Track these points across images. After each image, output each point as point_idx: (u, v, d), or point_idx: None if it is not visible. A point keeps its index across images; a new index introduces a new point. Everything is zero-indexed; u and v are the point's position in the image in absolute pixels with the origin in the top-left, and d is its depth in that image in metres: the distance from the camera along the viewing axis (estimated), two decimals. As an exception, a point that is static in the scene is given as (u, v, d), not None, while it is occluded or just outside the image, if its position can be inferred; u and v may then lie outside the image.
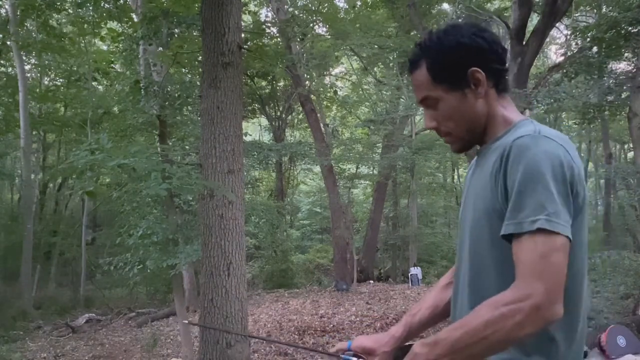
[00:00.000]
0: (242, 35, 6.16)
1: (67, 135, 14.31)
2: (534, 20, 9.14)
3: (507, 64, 1.18)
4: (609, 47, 8.05)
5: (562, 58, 9.32)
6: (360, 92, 14.47)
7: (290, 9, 12.06)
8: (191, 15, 6.74)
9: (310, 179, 20.01)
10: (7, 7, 11.47)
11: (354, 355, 1.22)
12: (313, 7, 12.62)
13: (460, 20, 10.11)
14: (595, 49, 8.38)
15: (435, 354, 0.97)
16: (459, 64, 1.11)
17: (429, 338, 1.01)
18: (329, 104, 15.52)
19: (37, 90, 13.99)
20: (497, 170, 1.02)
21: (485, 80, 1.12)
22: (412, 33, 11.69)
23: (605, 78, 8.55)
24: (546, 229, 0.92)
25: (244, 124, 10.20)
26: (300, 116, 16.42)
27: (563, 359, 1.03)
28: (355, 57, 13.89)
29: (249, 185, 14.88)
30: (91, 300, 12.18)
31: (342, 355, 1.22)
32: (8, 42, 11.38)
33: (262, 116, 16.92)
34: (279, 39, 11.35)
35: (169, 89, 7.14)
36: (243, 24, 7.49)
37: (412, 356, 1.01)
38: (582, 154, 20.75)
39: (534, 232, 0.93)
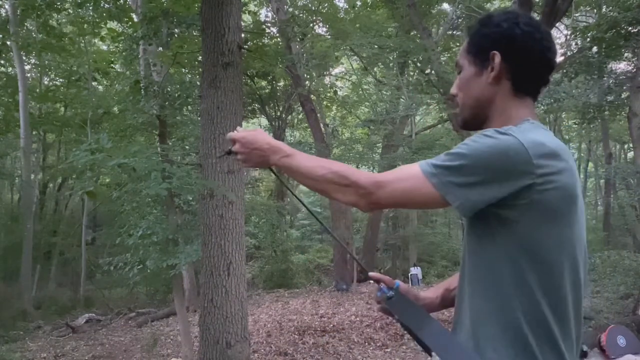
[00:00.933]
0: (242, 35, 6.17)
1: (67, 135, 14.30)
2: (534, 20, 9.13)
3: (540, 71, 1.14)
4: (609, 47, 8.05)
5: (562, 58, 9.31)
6: (360, 92, 14.45)
7: (290, 9, 12.05)
8: (191, 15, 6.74)
9: (310, 179, 19.97)
10: (7, 7, 11.47)
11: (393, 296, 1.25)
12: (313, 7, 12.63)
13: (459, 20, 10.12)
14: (595, 49, 8.38)
15: (281, 163, 1.23)
16: (488, 42, 1.14)
17: (286, 149, 1.23)
18: (329, 104, 15.51)
19: (37, 90, 13.99)
20: None
21: (501, 68, 1.12)
22: (412, 33, 11.69)
23: (605, 78, 8.56)
24: (423, 169, 1.03)
25: (244, 124, 10.19)
26: (300, 116, 16.41)
27: None
28: (355, 57, 13.88)
29: (249, 185, 14.88)
30: (91, 300, 12.18)
31: (383, 287, 1.27)
32: (8, 42, 11.38)
33: (262, 116, 16.91)
34: (279, 39, 11.35)
35: (169, 89, 7.14)
36: (243, 24, 7.49)
37: (266, 149, 1.25)
38: (582, 154, 20.75)
39: (417, 165, 1.05)
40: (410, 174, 1.05)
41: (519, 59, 1.12)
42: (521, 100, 1.14)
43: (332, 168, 1.13)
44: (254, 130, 1.30)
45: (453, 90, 1.23)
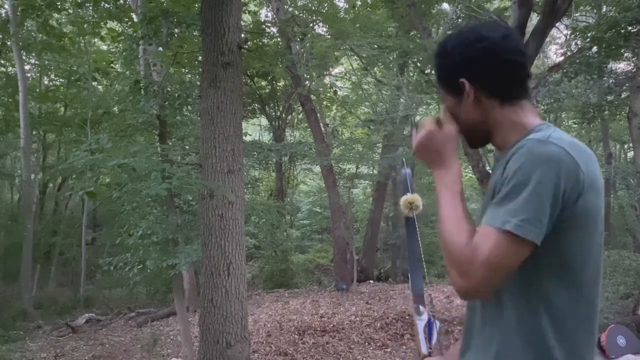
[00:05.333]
0: (242, 35, 6.16)
1: (67, 135, 14.30)
2: (534, 20, 9.13)
3: (511, 72, 1.10)
4: (608, 47, 8.04)
5: (562, 58, 9.31)
6: (360, 92, 14.45)
7: (290, 9, 12.06)
8: (191, 15, 6.73)
9: (310, 179, 20.01)
10: (7, 7, 11.48)
11: None
12: (313, 7, 12.62)
13: (459, 20, 10.11)
14: (595, 49, 8.37)
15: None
16: (450, 73, 1.13)
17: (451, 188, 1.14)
18: (329, 104, 15.51)
19: (37, 90, 14.00)
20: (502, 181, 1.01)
21: (475, 90, 1.10)
22: (412, 33, 11.69)
23: (605, 78, 8.55)
24: (513, 233, 0.95)
25: (244, 124, 10.18)
26: (300, 116, 16.41)
27: None
28: (355, 57, 13.88)
29: (249, 185, 14.88)
30: (91, 300, 12.17)
31: None
32: (8, 42, 11.38)
33: (262, 116, 16.93)
34: (279, 39, 11.34)
35: (169, 89, 7.14)
36: (243, 24, 7.48)
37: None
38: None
39: (502, 231, 0.96)
40: (501, 247, 0.97)
41: (485, 77, 1.10)
42: (514, 106, 1.11)
43: (453, 242, 1.05)
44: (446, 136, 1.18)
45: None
